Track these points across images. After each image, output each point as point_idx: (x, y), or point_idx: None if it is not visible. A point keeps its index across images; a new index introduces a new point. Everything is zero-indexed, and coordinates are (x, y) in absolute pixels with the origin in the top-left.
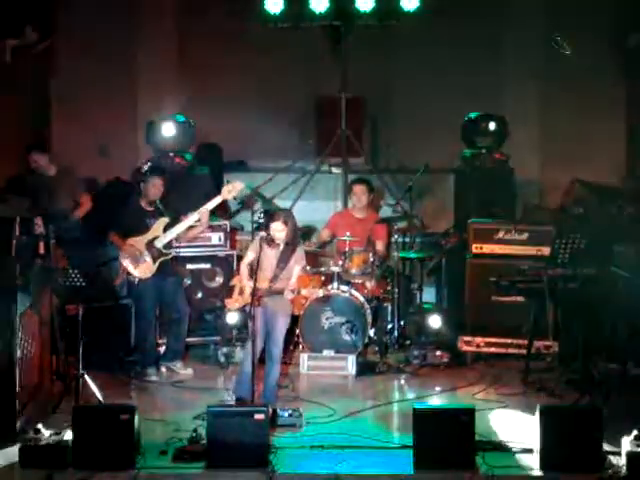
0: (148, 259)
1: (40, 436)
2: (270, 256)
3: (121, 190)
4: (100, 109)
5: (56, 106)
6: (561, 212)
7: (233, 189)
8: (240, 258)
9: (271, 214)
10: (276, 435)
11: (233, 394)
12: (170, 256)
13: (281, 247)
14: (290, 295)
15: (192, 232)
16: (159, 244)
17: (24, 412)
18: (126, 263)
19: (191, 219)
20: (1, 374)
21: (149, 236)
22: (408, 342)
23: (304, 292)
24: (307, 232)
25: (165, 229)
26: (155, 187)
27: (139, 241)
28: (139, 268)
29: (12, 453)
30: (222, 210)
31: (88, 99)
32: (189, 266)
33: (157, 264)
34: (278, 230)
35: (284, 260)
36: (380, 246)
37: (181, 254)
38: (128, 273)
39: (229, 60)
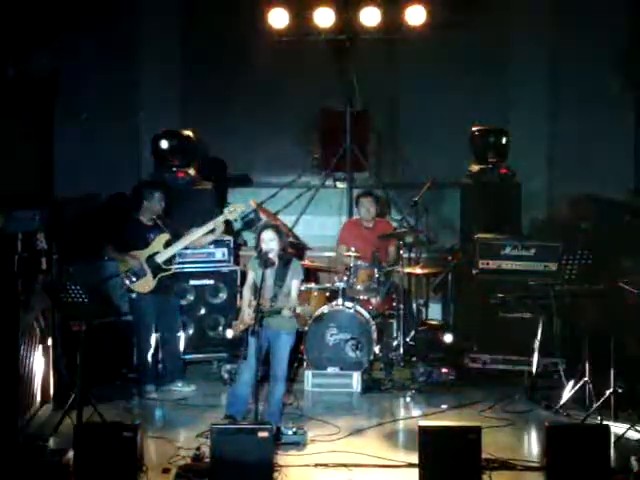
0: (148, 274)
1: (42, 454)
2: (267, 276)
3: (123, 205)
4: (103, 123)
5: (58, 120)
6: (568, 227)
7: (234, 210)
8: (244, 274)
9: (259, 227)
10: (280, 453)
11: (225, 413)
12: (170, 272)
13: (276, 265)
14: (288, 313)
15: (203, 239)
16: (159, 259)
17: (26, 429)
18: (125, 277)
19: (196, 234)
20: (3, 391)
21: (149, 251)
22: (414, 359)
23: (299, 310)
24: (301, 247)
25: (166, 245)
26: (161, 203)
27: (139, 255)
28: (138, 282)
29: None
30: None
31: (91, 114)
32: (192, 282)
33: (157, 280)
34: (270, 239)
35: (281, 277)
36: (392, 249)
37: (185, 269)
38: (127, 288)
39: (233, 74)
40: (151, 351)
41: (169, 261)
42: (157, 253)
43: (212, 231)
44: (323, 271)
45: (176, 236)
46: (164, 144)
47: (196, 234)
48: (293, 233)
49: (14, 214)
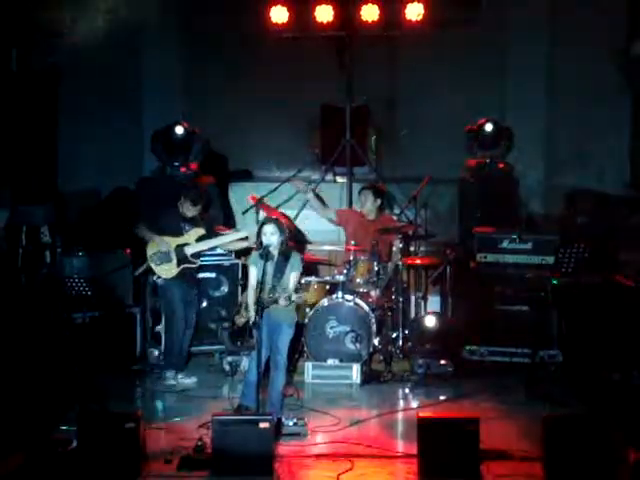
0: (173, 261)
1: (46, 444)
2: (268, 269)
3: (125, 199)
4: (105, 118)
5: (61, 115)
6: (565, 221)
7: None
8: (245, 267)
9: (262, 221)
10: (281, 444)
11: (239, 402)
12: (195, 266)
13: (275, 259)
14: (284, 302)
15: (233, 245)
16: (188, 251)
17: (31, 421)
18: (150, 258)
19: (229, 237)
20: (8, 382)
21: (181, 240)
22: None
23: (294, 297)
24: (302, 241)
25: (198, 239)
26: (194, 203)
27: (170, 241)
28: (161, 266)
29: None
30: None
31: (93, 108)
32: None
33: (180, 269)
34: (271, 232)
35: (280, 270)
36: (398, 244)
37: None
38: (150, 271)
39: (234, 70)
40: (180, 338)
41: (196, 255)
42: (187, 244)
43: (245, 239)
44: (323, 264)
45: (210, 232)
46: (179, 130)
47: (229, 237)
48: (295, 226)
49: (19, 209)
